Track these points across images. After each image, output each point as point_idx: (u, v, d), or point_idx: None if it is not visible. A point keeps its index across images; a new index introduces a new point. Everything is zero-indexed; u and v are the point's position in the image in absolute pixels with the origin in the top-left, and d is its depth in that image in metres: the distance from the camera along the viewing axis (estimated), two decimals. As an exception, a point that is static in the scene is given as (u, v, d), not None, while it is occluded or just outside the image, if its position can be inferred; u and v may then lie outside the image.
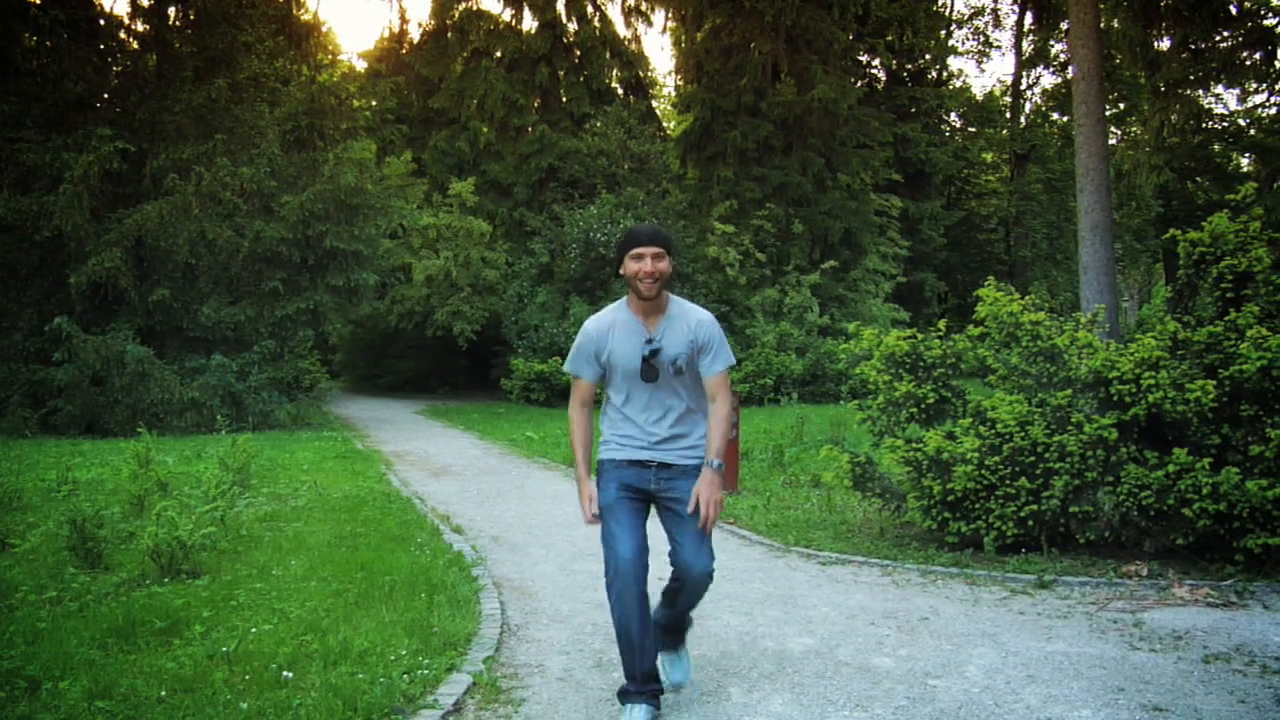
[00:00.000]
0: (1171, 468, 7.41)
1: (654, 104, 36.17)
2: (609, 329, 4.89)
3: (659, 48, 73.93)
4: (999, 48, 54.54)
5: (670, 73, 33.98)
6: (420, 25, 36.96)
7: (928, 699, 5.10)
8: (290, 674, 5.28)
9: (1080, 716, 4.87)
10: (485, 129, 32.35)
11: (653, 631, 4.78)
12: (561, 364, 26.03)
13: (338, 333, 23.95)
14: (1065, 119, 36.95)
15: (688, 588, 4.87)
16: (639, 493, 4.87)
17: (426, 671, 5.37)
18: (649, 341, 4.82)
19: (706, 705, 5.03)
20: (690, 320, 4.88)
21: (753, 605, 6.88)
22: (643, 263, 4.73)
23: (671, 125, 35.17)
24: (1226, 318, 7.84)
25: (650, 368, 4.81)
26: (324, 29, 27.13)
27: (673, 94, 35.43)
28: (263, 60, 24.68)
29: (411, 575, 7.45)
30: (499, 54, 33.11)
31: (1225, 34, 32.04)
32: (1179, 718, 4.85)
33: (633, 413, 4.91)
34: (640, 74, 35.52)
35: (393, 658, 5.56)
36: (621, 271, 4.84)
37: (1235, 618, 6.54)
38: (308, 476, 13.16)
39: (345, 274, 23.13)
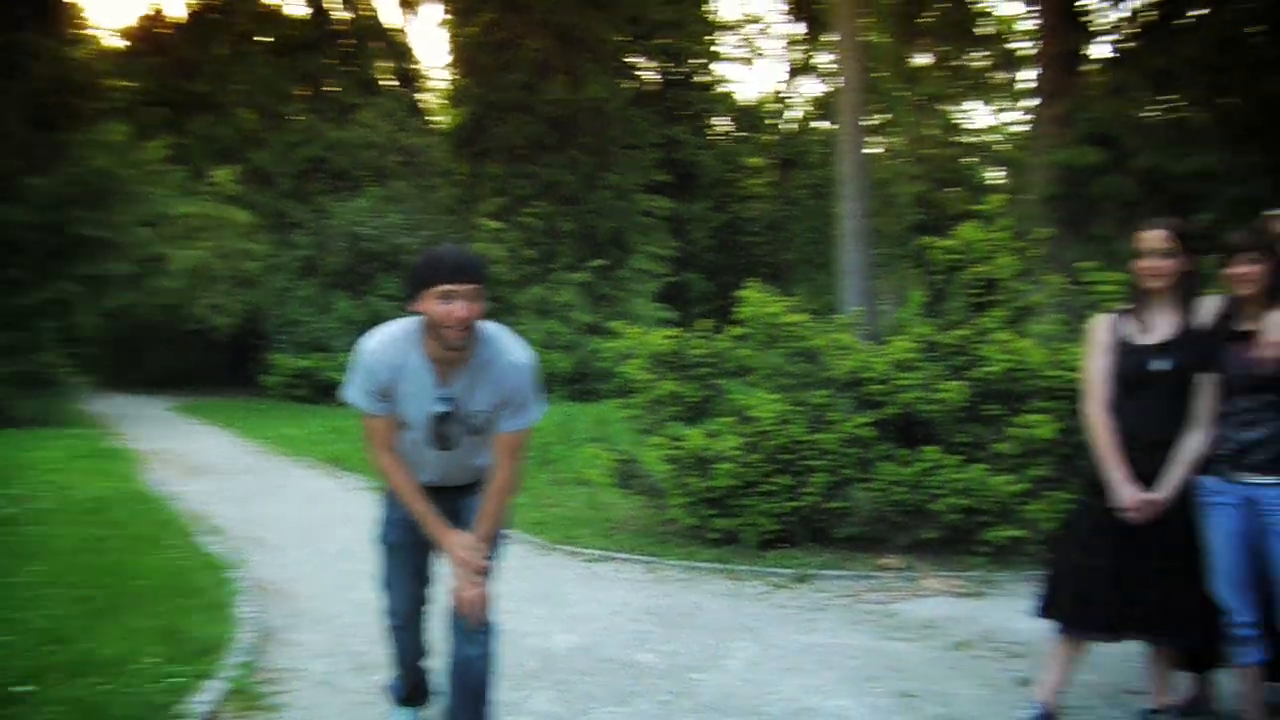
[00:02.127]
0: (923, 465, 7.69)
1: (425, 97, 35.64)
2: (400, 367, 3.88)
3: (431, 40, 73.38)
4: (767, 55, 55.78)
5: (442, 66, 33.52)
6: (185, 4, 35.55)
7: (690, 693, 5.16)
8: (29, 688, 4.92)
9: (837, 705, 5.01)
10: (249, 116, 31.32)
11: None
12: (324, 359, 25.50)
13: (89, 325, 22.80)
14: (829, 127, 38.09)
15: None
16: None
17: (179, 679, 5.08)
18: (444, 400, 3.93)
19: (468, 705, 4.95)
20: (501, 367, 3.89)
21: (518, 604, 6.80)
22: (453, 305, 3.66)
23: (443, 119, 34.75)
24: (974, 322, 8.16)
25: (441, 435, 4.01)
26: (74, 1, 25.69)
27: (444, 87, 34.95)
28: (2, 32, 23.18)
29: (164, 579, 7.09)
30: (266, 39, 32.11)
31: (978, 54, 33.57)
32: (928, 702, 5.04)
33: (418, 460, 4.12)
34: (411, 66, 34.99)
35: (143, 666, 5.25)
36: (420, 309, 3.75)
37: (981, 606, 6.83)
38: (52, 477, 12.44)
39: (95, 263, 21.99)
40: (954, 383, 7.79)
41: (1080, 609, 4.52)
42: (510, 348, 3.93)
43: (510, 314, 27.93)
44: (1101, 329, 4.58)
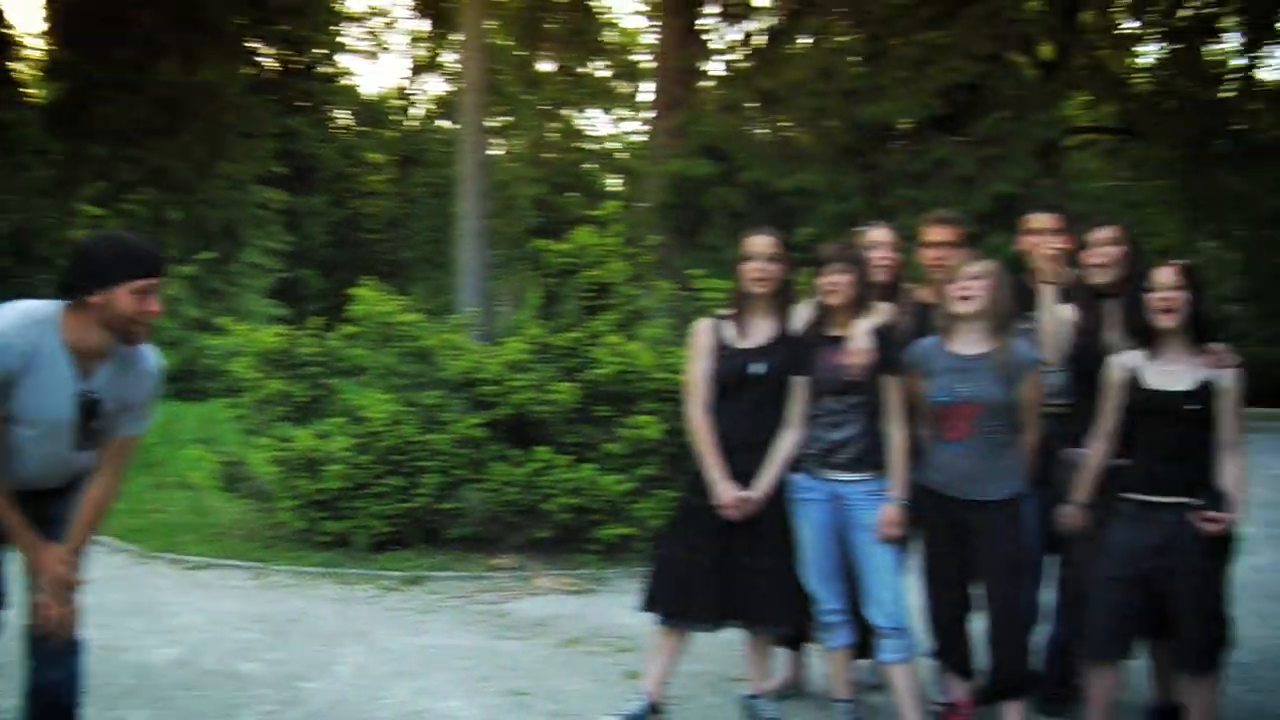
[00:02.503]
0: (535, 465, 7.78)
1: (17, 66, 33.05)
2: (34, 355, 3.43)
3: (25, 4, 68.07)
4: (392, 50, 55.16)
5: (38, 34, 31.16)
6: None
7: (298, 701, 5.01)
8: None
9: (448, 706, 4.98)
10: None
11: None
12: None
13: None
14: (452, 126, 38.07)
15: None
16: None
17: None
18: (86, 395, 3.55)
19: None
20: (141, 367, 3.67)
21: (112, 617, 6.39)
22: (149, 301, 3.44)
23: (37, 93, 32.32)
24: (587, 325, 8.34)
25: (83, 433, 3.61)
26: None
27: (40, 57, 32.50)
28: None
29: None
30: None
31: (601, 63, 34.44)
32: (540, 699, 5.10)
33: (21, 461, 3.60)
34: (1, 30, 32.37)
35: None
36: (98, 299, 3.41)
37: (591, 603, 6.99)
38: None
39: None
40: (566, 384, 7.93)
41: (682, 601, 4.67)
42: (147, 348, 3.68)
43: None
44: (703, 333, 4.76)
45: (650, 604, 4.78)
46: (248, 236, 29.97)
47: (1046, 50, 23.38)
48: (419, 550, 8.05)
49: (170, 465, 12.04)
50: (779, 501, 4.59)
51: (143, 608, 6.71)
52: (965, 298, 4.45)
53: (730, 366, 4.63)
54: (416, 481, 7.94)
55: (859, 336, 4.46)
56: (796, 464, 4.57)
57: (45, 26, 31.48)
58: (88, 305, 3.42)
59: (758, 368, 4.59)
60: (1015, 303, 4.63)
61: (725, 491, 4.51)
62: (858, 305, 4.53)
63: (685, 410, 4.83)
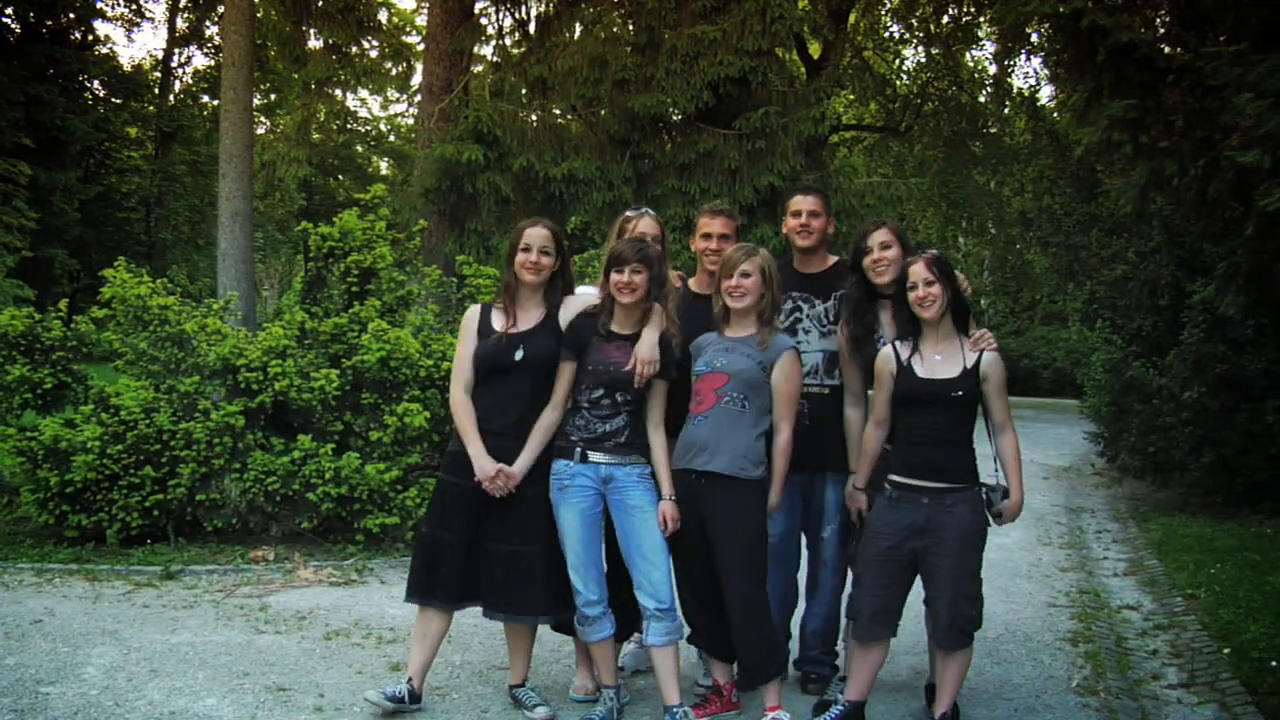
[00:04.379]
0: (297, 454, 7.65)
1: None
2: None
3: None
4: (151, 20, 52.94)
5: None
6: None
7: (40, 708, 4.76)
8: None
9: (205, 705, 4.84)
10: None
11: None
12: None
13: None
14: (214, 103, 36.80)
15: None
16: None
17: None
18: None
19: None
20: None
21: None
22: None
23: None
24: (351, 310, 8.22)
25: None
26: None
27: None
28: None
29: None
30: None
31: (372, 43, 33.82)
32: (301, 694, 5.01)
33: None
34: None
35: None
36: None
37: (355, 594, 6.91)
38: None
39: None
40: (329, 371, 7.80)
41: (427, 578, 4.73)
42: None
43: None
44: (471, 318, 4.87)
45: (409, 588, 4.83)
46: (-11, 213, 28.37)
47: (815, 48, 24.12)
48: (175, 544, 7.81)
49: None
50: (539, 491, 4.66)
51: None
52: (739, 294, 4.60)
53: (494, 350, 4.70)
54: (172, 472, 7.71)
55: (648, 346, 4.54)
56: (562, 450, 4.62)
57: None
58: None
59: (519, 353, 4.66)
60: (781, 293, 4.82)
61: (484, 466, 4.56)
62: (644, 304, 4.61)
63: (450, 392, 4.89)
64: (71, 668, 5.31)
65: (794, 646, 5.33)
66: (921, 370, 4.54)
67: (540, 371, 4.67)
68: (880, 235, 4.92)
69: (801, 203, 5.26)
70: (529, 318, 4.76)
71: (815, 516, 5.19)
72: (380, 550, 7.78)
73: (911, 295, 4.53)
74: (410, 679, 4.76)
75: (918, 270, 4.51)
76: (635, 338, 4.59)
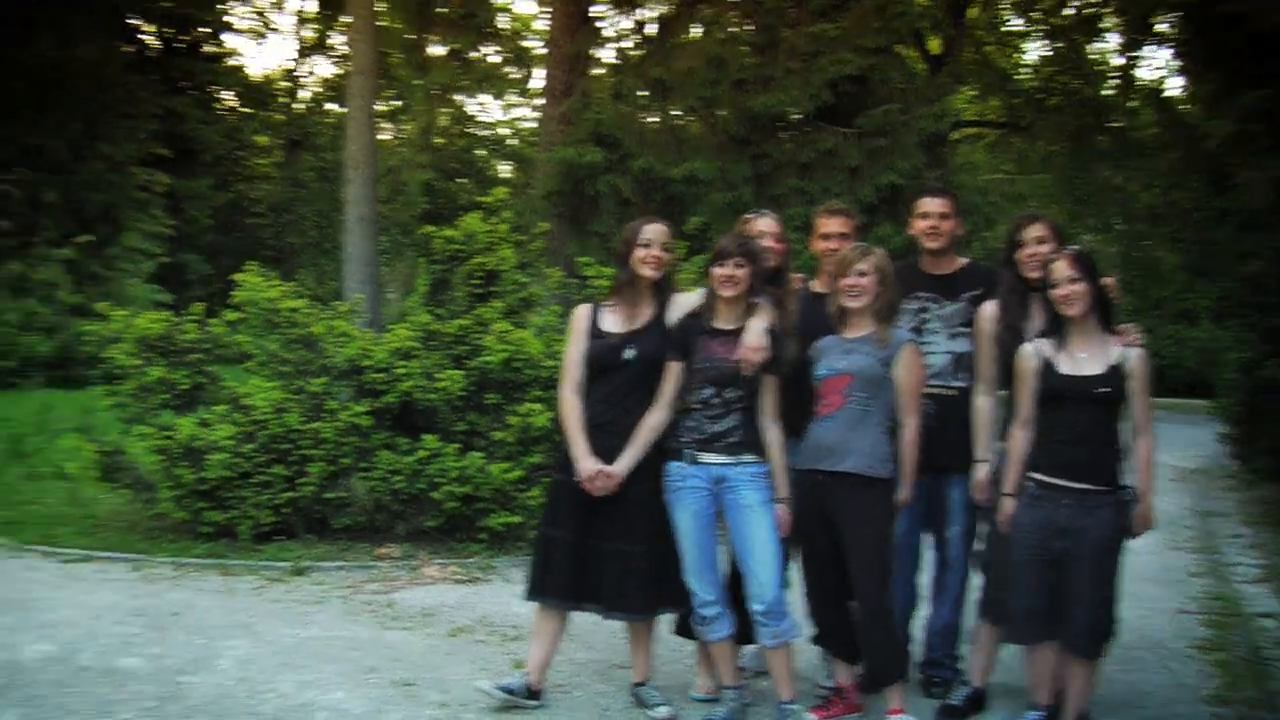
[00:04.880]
0: (422, 453, 7.74)
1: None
2: None
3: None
4: (280, 31, 54.24)
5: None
6: None
7: (179, 697, 4.91)
8: None
9: (334, 698, 4.94)
10: None
11: None
12: None
13: None
14: (340, 110, 37.54)
15: None
16: None
17: None
18: None
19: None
20: None
21: (-19, 612, 6.25)
22: None
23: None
24: (475, 312, 8.31)
25: None
26: None
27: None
28: None
29: None
30: None
31: (493, 49, 34.26)
32: (427, 689, 5.08)
33: None
34: None
35: None
36: None
37: (479, 592, 7.00)
38: None
39: None
40: (454, 372, 7.91)
41: (543, 576, 4.79)
42: None
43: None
44: (580, 317, 4.92)
45: (529, 587, 4.89)
46: (128, 220, 29.25)
47: (934, 45, 23.83)
48: (304, 540, 7.96)
49: (45, 455, 11.70)
50: (645, 490, 4.68)
51: (14, 603, 6.49)
52: (855, 294, 4.58)
53: (602, 350, 4.74)
54: (302, 470, 7.84)
55: (755, 334, 4.52)
56: (675, 452, 4.63)
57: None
58: None
59: (629, 352, 4.69)
60: (899, 292, 4.76)
61: (586, 466, 4.60)
62: (748, 299, 4.61)
63: (558, 390, 4.94)
64: (208, 659, 5.46)
65: (916, 649, 5.29)
66: (1065, 367, 4.46)
67: (650, 371, 4.70)
68: (1036, 229, 4.85)
69: (930, 204, 5.22)
70: (639, 317, 4.78)
71: (940, 517, 5.14)
72: (504, 549, 7.86)
73: (1054, 293, 4.45)
74: (529, 675, 4.82)
75: (1060, 267, 4.43)
76: (740, 333, 4.59)
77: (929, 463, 4.80)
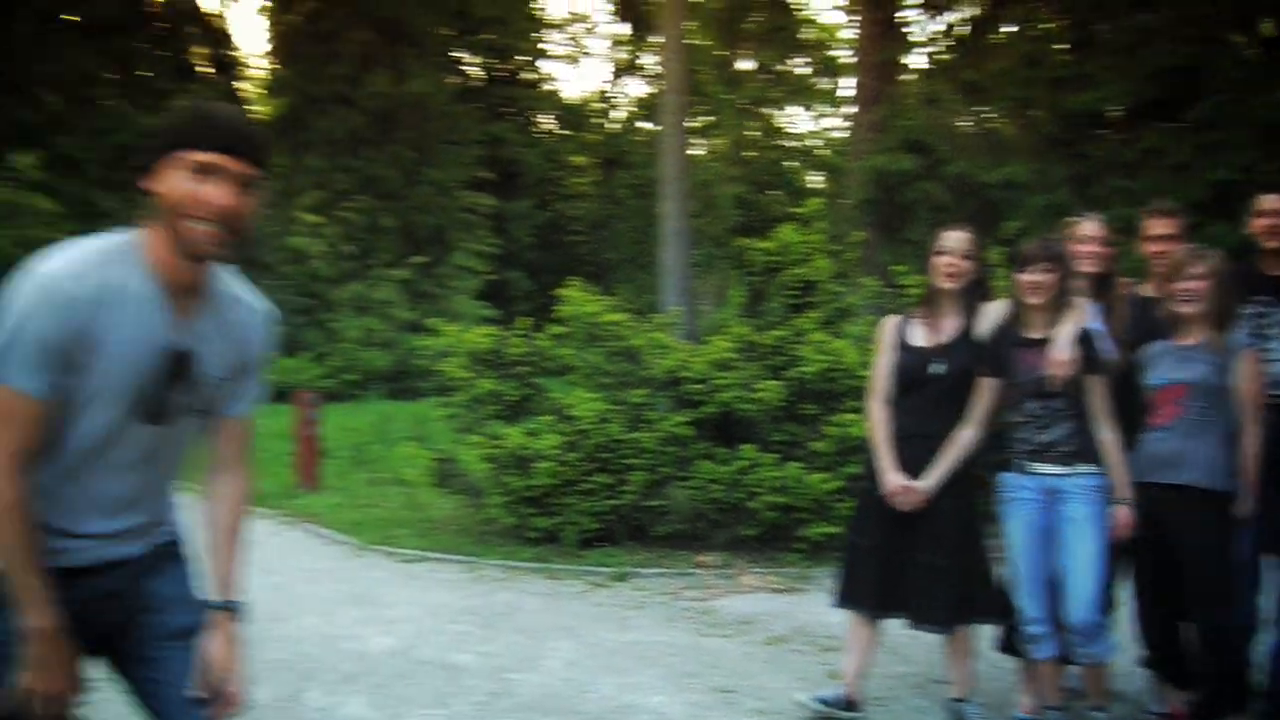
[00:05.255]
0: (741, 463, 7.77)
1: (243, 85, 34.65)
2: (111, 304, 2.24)
3: (251, 27, 71.72)
4: (593, 55, 55.88)
5: (261, 54, 32.64)
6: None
7: (508, 693, 5.12)
8: None
9: (654, 702, 5.02)
10: (54, 99, 29.94)
11: None
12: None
13: None
14: (653, 128, 38.36)
15: None
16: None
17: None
18: (175, 345, 2.35)
19: (283, 710, 4.84)
20: (244, 314, 2.54)
21: (332, 606, 6.68)
22: (211, 185, 2.27)
23: (261, 109, 33.84)
24: (791, 322, 8.30)
25: (162, 403, 2.37)
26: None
27: (263, 76, 34.02)
28: None
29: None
30: (73, 18, 30.75)
31: (800, 61, 34.26)
32: (745, 697, 5.11)
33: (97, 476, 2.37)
34: (228, 53, 33.98)
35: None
36: (155, 188, 2.32)
37: (796, 602, 6.95)
38: None
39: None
40: (771, 382, 7.91)
41: (850, 585, 4.76)
42: (248, 291, 2.56)
43: (328, 310, 27.38)
44: (889, 329, 4.83)
45: (839, 596, 4.87)
46: (456, 240, 30.75)
47: (1267, 28, 22.27)
48: (626, 547, 8.13)
49: (385, 462, 12.45)
50: (954, 504, 4.56)
51: (360, 598, 6.96)
52: (1188, 299, 4.33)
53: (911, 363, 4.65)
54: (623, 479, 8.01)
55: (1061, 343, 4.35)
56: (1007, 463, 4.49)
57: (267, 47, 32.96)
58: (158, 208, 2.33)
59: (938, 366, 4.59)
60: (1236, 296, 4.49)
61: (892, 480, 4.54)
62: (1058, 305, 4.42)
63: (866, 402, 4.90)
64: (534, 658, 5.67)
65: (1256, 679, 4.94)
66: None
67: (959, 385, 4.58)
68: None
69: (1270, 201, 4.89)
70: (948, 329, 4.67)
71: None
72: (821, 559, 7.79)
73: None
74: (846, 686, 4.78)
75: None
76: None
77: (1272, 477, 4.48)
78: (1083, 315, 4.46)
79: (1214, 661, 4.32)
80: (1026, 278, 4.41)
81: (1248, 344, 4.44)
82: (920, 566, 4.58)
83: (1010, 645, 4.80)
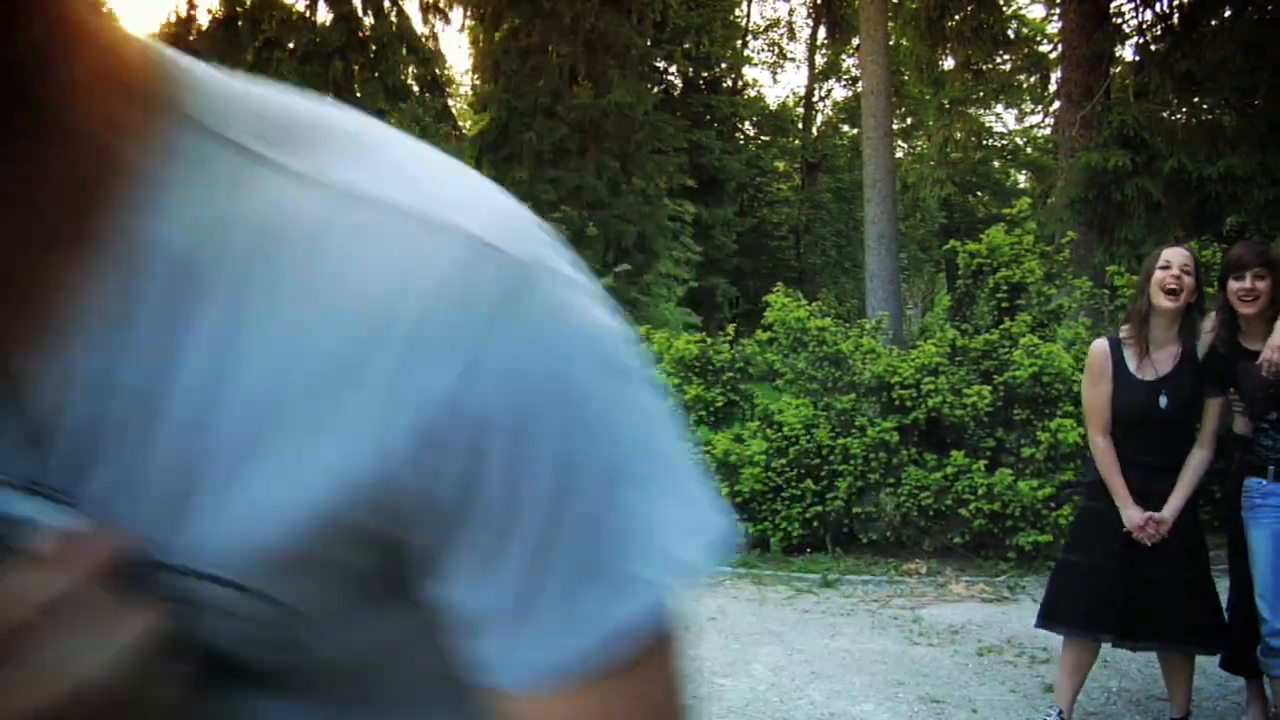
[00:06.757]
0: (949, 470, 7.68)
1: (450, 103, 35.72)
2: None
3: (456, 46, 73.94)
4: (793, 59, 55.77)
5: (467, 71, 33.58)
6: (209, 11, 35.64)
7: (716, 697, 5.16)
8: None
9: (863, 710, 5.01)
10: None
11: None
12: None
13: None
14: (855, 131, 38.01)
15: None
16: None
17: None
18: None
19: None
20: None
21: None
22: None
23: (468, 125, 34.82)
24: (1001, 326, 8.15)
25: None
26: (102, 8, 25.79)
27: (469, 93, 35.00)
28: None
29: None
30: (291, 45, 32.23)
31: (1005, 57, 33.52)
32: (955, 708, 5.04)
33: None
34: (437, 72, 35.05)
35: None
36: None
37: (1007, 611, 6.81)
38: None
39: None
40: (981, 387, 7.78)
41: (1082, 612, 4.58)
42: None
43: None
44: (1101, 357, 4.58)
45: (1048, 616, 4.71)
46: (661, 248, 31.05)
47: None
48: (833, 554, 8.10)
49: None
50: (1182, 519, 4.39)
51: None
52: None
53: (1134, 400, 4.44)
54: (830, 485, 7.99)
55: (1275, 332, 4.14)
56: (1253, 468, 4.30)
57: (472, 64, 33.90)
58: None
59: (1164, 399, 4.38)
60: None
61: (1133, 516, 4.37)
62: (1273, 313, 4.21)
63: (1088, 436, 4.69)
64: (742, 664, 5.70)
65: None
66: None
67: (1187, 412, 4.41)
68: None
69: None
70: (1166, 356, 4.41)
71: None
72: (1032, 568, 7.63)
73: None
74: (1061, 706, 4.66)
75: None
76: None
77: None
78: None
79: None
80: (1238, 284, 4.23)
81: None
82: (1160, 584, 4.42)
83: (1235, 662, 4.62)
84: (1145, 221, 14.71)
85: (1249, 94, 14.88)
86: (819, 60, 41.86)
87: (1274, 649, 4.26)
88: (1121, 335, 4.59)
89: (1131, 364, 4.48)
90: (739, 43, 40.59)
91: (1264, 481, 4.26)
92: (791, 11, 43.69)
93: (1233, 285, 4.24)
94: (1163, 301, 4.40)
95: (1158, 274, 4.40)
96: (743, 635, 6.26)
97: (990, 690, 5.31)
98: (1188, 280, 4.38)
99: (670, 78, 37.63)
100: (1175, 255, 4.43)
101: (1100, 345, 4.64)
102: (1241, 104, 15.21)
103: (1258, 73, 14.44)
